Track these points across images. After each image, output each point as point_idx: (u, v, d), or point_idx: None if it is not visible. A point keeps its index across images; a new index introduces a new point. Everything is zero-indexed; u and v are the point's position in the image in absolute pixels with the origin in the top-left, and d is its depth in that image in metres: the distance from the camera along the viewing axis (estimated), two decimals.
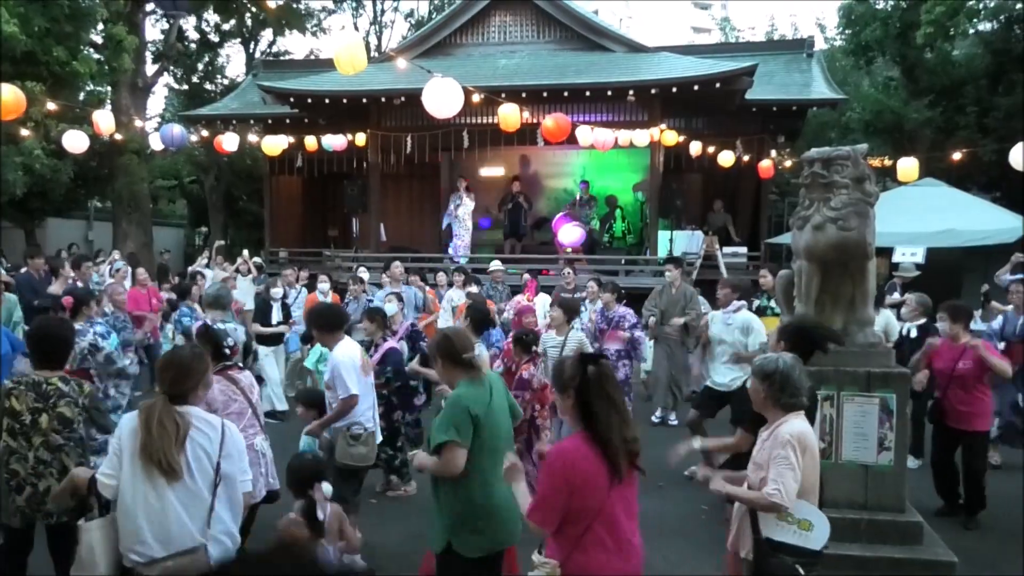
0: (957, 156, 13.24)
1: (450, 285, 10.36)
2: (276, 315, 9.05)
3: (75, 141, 11.07)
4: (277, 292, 9.33)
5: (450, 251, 15.22)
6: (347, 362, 4.78)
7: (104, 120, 10.74)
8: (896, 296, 10.18)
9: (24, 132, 13.22)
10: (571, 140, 11.39)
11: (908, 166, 12.03)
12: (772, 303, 8.27)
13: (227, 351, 4.32)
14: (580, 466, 2.74)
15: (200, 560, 2.85)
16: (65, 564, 3.54)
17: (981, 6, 17.01)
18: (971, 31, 17.87)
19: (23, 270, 10.80)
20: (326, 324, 5.00)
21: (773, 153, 14.73)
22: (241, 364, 4.57)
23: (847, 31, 20.46)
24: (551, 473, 2.81)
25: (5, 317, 7.11)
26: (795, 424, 3.19)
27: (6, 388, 3.79)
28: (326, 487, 3.82)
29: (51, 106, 12.20)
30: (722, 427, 5.71)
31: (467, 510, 3.30)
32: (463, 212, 15.03)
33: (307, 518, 3.80)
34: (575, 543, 2.77)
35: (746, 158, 13.74)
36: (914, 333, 7.32)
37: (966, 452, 5.89)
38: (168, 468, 2.82)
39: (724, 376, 6.58)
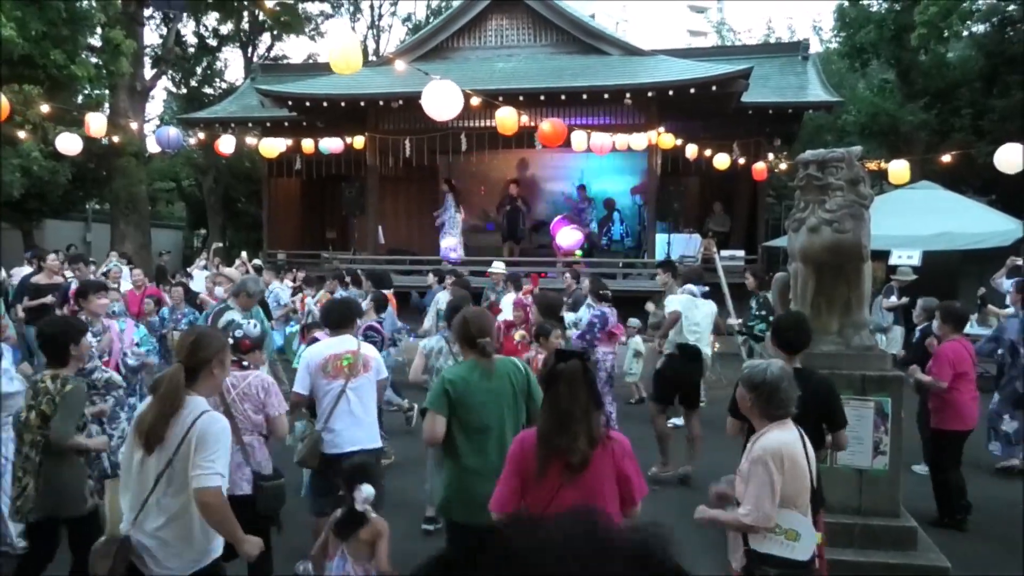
0: (951, 158, 13.22)
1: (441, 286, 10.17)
2: None
3: (68, 143, 11.04)
4: None
5: (446, 254, 15.15)
6: (304, 358, 4.81)
7: (95, 122, 10.71)
8: (893, 299, 10.17)
9: (22, 134, 13.20)
10: (569, 143, 11.37)
11: (899, 168, 12.02)
12: (752, 304, 8.30)
13: (230, 339, 4.08)
14: (527, 455, 2.84)
15: (107, 551, 2.77)
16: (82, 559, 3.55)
17: (974, 8, 16.99)
18: (965, 33, 17.87)
19: (25, 270, 10.77)
20: (329, 320, 5.05)
21: (770, 156, 14.70)
22: (246, 363, 4.31)
23: (842, 34, 20.46)
24: (507, 457, 2.95)
25: None
26: (771, 437, 3.13)
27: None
28: (366, 489, 3.62)
29: (48, 109, 12.17)
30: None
31: (448, 480, 3.65)
32: (448, 215, 15.01)
33: (337, 519, 3.66)
34: None
35: (742, 161, 13.72)
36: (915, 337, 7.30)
37: (927, 448, 5.94)
38: (147, 442, 2.81)
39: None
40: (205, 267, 12.37)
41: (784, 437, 3.14)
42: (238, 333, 4.22)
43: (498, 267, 10.93)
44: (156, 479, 2.82)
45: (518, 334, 6.26)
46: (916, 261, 10.79)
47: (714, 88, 13.05)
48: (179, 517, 2.84)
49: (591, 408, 2.81)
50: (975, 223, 11.73)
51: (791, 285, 5.48)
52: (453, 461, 3.62)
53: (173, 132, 11.60)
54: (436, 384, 3.70)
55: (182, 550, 2.86)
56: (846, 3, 19.76)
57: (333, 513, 3.74)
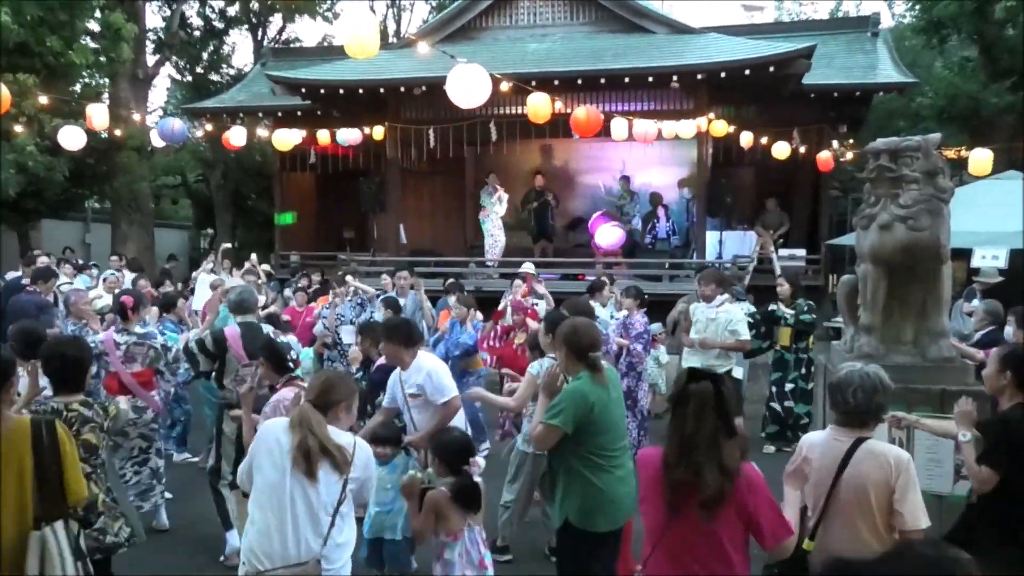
0: None
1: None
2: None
3: (71, 137, 11.25)
4: (261, 299, 9.43)
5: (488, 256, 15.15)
6: (440, 367, 5.12)
7: (97, 114, 10.89)
8: (976, 303, 9.98)
9: (17, 127, 13.45)
10: (608, 131, 11.35)
11: (980, 158, 11.79)
12: (786, 312, 8.47)
13: (291, 364, 4.84)
14: (645, 475, 3.00)
15: (311, 573, 3.21)
16: None
17: None
18: None
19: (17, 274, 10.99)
20: (404, 338, 5.11)
21: (834, 144, 14.53)
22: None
23: (917, 6, 20.16)
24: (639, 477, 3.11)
25: None
26: (811, 435, 3.54)
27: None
28: (480, 460, 4.07)
29: (45, 100, 12.40)
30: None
31: (591, 493, 3.88)
32: (496, 212, 15.01)
33: (461, 496, 3.97)
34: (645, 559, 3.01)
35: (803, 150, 13.58)
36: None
37: None
38: (319, 454, 3.23)
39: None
40: (213, 270, 12.50)
41: (814, 438, 3.42)
42: (293, 355, 4.95)
43: (528, 267, 10.96)
44: (339, 499, 3.29)
45: (518, 338, 6.33)
46: (1002, 262, 10.58)
47: (772, 69, 12.93)
48: (350, 527, 3.40)
49: (720, 436, 2.81)
50: None
51: (859, 289, 5.42)
52: (582, 476, 3.87)
53: (177, 124, 11.76)
54: (573, 399, 3.80)
55: (349, 551, 3.40)
56: None
57: (439, 491, 4.00)
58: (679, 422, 2.87)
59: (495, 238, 15.04)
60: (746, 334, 7.58)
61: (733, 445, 2.84)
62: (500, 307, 8.86)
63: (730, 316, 7.52)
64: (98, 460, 3.92)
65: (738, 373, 7.44)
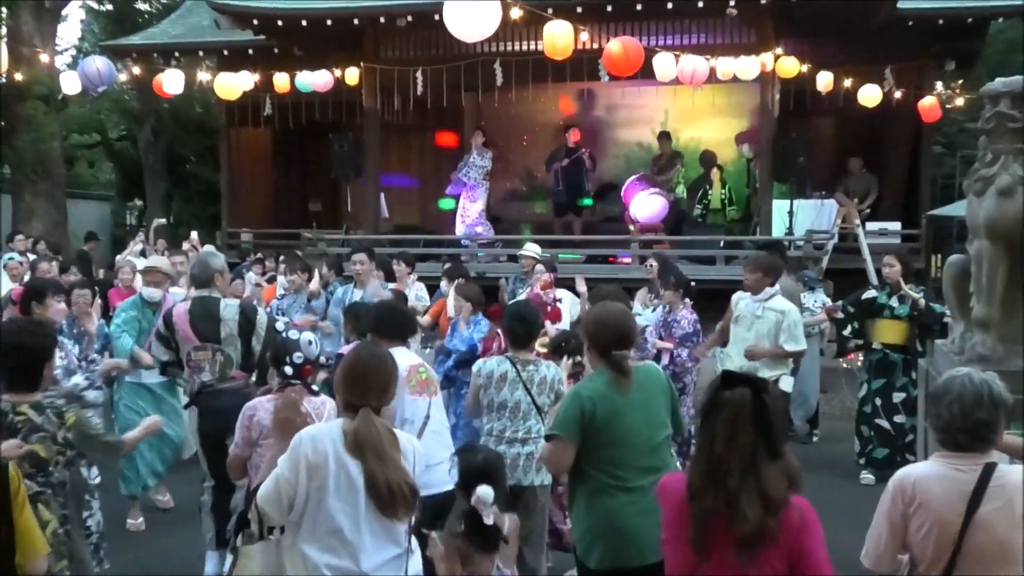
0: None
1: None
2: None
3: None
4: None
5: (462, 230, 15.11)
6: None
7: None
8: None
9: None
10: (647, 73, 11.30)
11: None
12: (893, 301, 8.26)
13: (289, 368, 4.55)
14: (668, 508, 2.99)
15: None
16: None
17: None
18: None
19: None
20: (386, 329, 5.21)
21: (939, 87, 14.46)
22: (316, 387, 4.79)
23: None
24: (661, 503, 3.09)
25: None
26: (913, 468, 3.36)
27: None
28: (482, 491, 3.97)
29: None
30: None
31: (589, 520, 3.94)
32: (473, 175, 15.02)
33: (468, 530, 3.95)
34: None
35: (899, 95, 13.53)
36: None
37: None
38: (406, 496, 3.33)
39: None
40: (143, 253, 12.51)
41: (922, 472, 3.26)
42: (297, 357, 4.56)
43: (531, 250, 10.87)
44: (409, 526, 3.51)
45: (537, 342, 6.35)
46: None
47: None
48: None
49: (760, 457, 2.78)
50: None
51: (972, 273, 5.41)
52: (588, 499, 3.93)
53: (103, 64, 11.76)
54: (569, 403, 3.96)
55: None
56: None
57: (451, 533, 4.05)
58: (707, 439, 2.84)
59: (466, 211, 15.06)
60: (802, 341, 7.41)
61: (777, 469, 2.80)
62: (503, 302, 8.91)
63: (784, 316, 7.27)
64: (48, 479, 3.87)
65: (786, 385, 7.28)
